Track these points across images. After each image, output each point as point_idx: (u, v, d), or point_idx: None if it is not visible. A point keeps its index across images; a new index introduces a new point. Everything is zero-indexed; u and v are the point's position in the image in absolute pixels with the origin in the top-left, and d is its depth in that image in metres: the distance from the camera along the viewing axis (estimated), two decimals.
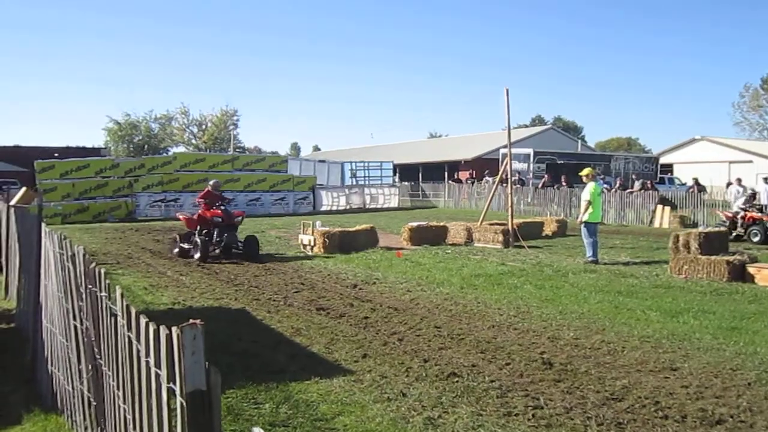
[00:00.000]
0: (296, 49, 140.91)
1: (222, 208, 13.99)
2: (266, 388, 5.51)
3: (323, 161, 39.28)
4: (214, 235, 13.81)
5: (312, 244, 14.90)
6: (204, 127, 73.05)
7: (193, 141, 72.71)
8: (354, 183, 36.56)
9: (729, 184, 31.18)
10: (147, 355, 2.07)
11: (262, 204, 30.23)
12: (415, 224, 16.84)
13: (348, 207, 33.92)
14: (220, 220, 13.77)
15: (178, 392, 1.67)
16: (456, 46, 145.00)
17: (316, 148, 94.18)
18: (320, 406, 5.12)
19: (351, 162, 38.23)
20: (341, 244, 14.75)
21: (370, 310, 8.76)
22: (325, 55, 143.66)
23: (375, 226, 16.61)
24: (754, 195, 19.34)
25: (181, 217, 15.14)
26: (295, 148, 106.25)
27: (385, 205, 35.20)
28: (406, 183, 43.89)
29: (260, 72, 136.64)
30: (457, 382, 5.69)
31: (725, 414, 4.93)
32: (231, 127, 71.94)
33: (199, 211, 14.15)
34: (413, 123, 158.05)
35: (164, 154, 53.82)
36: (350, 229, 15.87)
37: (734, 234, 17.56)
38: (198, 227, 14.02)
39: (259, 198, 30.52)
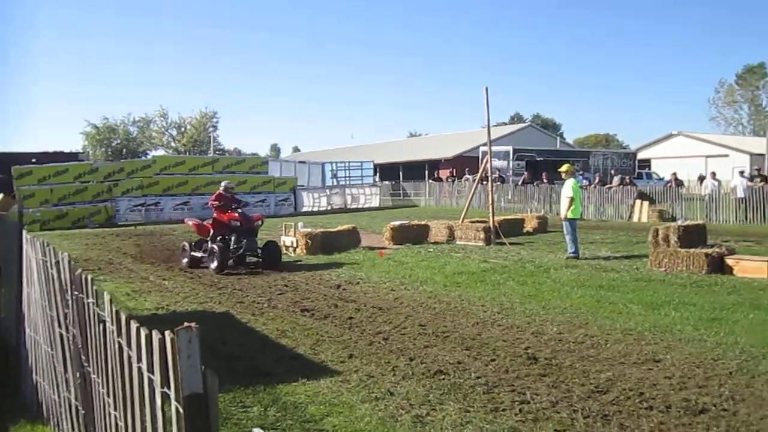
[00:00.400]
0: (274, 50, 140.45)
1: (239, 211, 12.87)
2: (253, 391, 5.50)
3: (303, 162, 39.23)
4: (232, 242, 12.68)
5: (294, 245, 14.88)
6: (183, 129, 72.53)
7: (173, 144, 72.16)
8: (335, 183, 36.55)
9: (702, 178, 31.64)
10: (139, 360, 2.07)
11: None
12: (396, 223, 16.88)
13: (329, 207, 33.89)
14: (238, 224, 12.59)
15: (173, 397, 1.67)
16: (435, 45, 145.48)
17: (296, 149, 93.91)
18: (308, 408, 5.13)
19: (331, 162, 38.22)
20: (323, 244, 14.74)
21: (355, 310, 8.78)
22: (303, 55, 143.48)
23: (356, 226, 16.63)
24: None
25: (190, 223, 13.98)
26: (275, 149, 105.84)
27: (366, 205, 35.21)
28: (387, 182, 43.95)
29: (239, 73, 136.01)
30: (443, 379, 5.73)
31: (708, 403, 5.02)
32: (210, 129, 71.51)
33: (214, 215, 12.97)
34: (393, 122, 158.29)
35: (143, 158, 53.35)
36: (332, 230, 15.88)
37: None
38: (212, 233, 12.90)
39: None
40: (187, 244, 13.49)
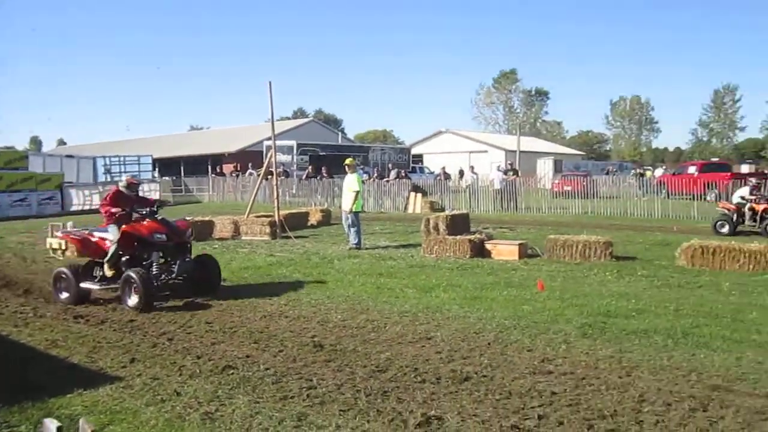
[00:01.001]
0: (32, 33, 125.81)
1: (160, 218, 9.06)
2: (20, 409, 5.01)
3: (72, 156, 35.84)
4: (154, 264, 8.83)
5: (63, 247, 13.58)
6: None
7: None
8: (109, 179, 33.95)
9: (461, 172, 35.06)
10: None
11: None
12: None
13: None
14: (164, 238, 8.85)
15: None
16: (216, 36, 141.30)
17: (62, 142, 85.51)
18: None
19: (104, 157, 35.42)
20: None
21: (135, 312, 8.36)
22: (67, 39, 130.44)
23: None
24: (758, 185, 16.93)
25: (69, 238, 9.86)
26: (36, 142, 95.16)
27: None
28: (167, 178, 41.86)
29: None
30: (232, 374, 5.75)
31: (471, 372, 5.69)
32: None
33: (124, 227, 8.76)
34: (173, 115, 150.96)
35: None
36: None
37: (738, 228, 15.75)
38: (112, 253, 8.86)
39: None
40: (67, 271, 9.01)
